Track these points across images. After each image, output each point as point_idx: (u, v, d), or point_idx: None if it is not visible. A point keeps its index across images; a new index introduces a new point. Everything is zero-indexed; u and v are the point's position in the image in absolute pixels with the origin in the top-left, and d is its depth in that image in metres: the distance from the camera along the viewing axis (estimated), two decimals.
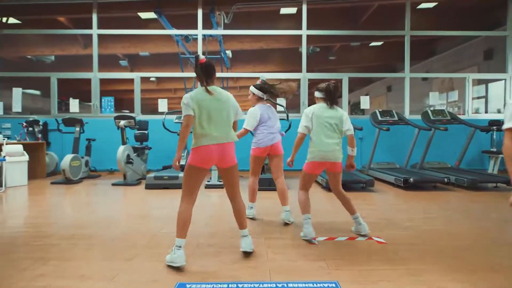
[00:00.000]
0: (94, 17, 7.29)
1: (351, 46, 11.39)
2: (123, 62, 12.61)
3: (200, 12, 7.33)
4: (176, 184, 4.95)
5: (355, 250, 2.36)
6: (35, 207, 3.98)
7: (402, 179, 4.82)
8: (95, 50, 7.32)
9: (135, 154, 5.93)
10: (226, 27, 7.73)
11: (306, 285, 1.78)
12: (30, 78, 8.42)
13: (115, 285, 1.81)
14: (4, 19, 8.06)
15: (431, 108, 6.56)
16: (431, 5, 7.93)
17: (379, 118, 6.10)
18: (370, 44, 10.87)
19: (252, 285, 1.79)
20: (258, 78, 5.95)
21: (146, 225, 3.08)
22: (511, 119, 1.57)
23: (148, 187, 5.09)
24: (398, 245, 2.46)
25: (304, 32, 7.24)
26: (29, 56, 11.24)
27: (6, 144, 5.31)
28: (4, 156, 5.03)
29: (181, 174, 5.00)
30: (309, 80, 7.29)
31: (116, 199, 4.42)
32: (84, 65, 9.56)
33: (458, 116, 6.43)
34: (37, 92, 12.02)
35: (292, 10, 8.02)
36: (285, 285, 1.79)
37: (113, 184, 5.46)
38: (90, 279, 1.88)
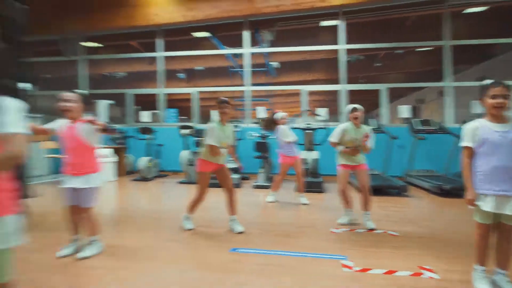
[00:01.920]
0: (159, 42, 8.66)
1: (396, 53, 11.48)
2: (181, 75, 14.18)
3: (246, 34, 8.26)
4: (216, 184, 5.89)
5: (369, 239, 3.01)
6: (134, 195, 5.22)
7: (437, 186, 5.13)
8: (160, 70, 8.69)
9: (195, 157, 7.04)
10: (271, 43, 8.59)
11: (323, 256, 2.53)
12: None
13: (189, 246, 2.74)
14: (90, 44, 9.87)
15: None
16: (478, 9, 7.90)
17: (416, 127, 6.43)
18: (417, 50, 10.87)
19: (281, 253, 2.59)
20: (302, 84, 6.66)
21: (204, 212, 4.02)
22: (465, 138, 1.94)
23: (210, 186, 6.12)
24: (408, 237, 3.04)
25: (341, 46, 7.79)
26: (105, 73, 13.25)
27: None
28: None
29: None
30: (349, 91, 7.82)
31: (182, 195, 5.51)
32: (150, 79, 11.19)
33: None
34: (112, 102, 14.10)
35: (332, 22, 8.55)
36: (306, 254, 2.56)
37: (179, 182, 6.61)
38: (175, 241, 2.84)
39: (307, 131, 6.36)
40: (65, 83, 10.08)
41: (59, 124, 2.47)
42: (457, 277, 2.15)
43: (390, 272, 2.25)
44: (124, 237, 3.10)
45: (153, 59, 9.24)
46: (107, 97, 13.11)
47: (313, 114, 7.38)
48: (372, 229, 3.25)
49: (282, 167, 4.64)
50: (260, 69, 10.64)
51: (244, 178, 6.83)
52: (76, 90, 2.43)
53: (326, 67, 12.23)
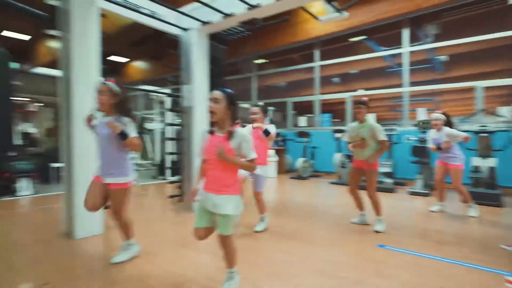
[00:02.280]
0: (316, 53, 9.36)
1: None
2: (336, 80, 14.58)
3: (405, 32, 7.79)
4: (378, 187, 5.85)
5: None
6: (291, 191, 6.12)
7: None
8: (316, 78, 9.40)
9: (348, 160, 7.30)
10: (435, 37, 7.75)
11: (483, 268, 2.37)
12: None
13: (340, 236, 3.11)
14: (259, 61, 11.77)
15: None
16: None
17: None
18: None
19: (431, 257, 2.58)
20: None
21: (344, 209, 4.26)
22: None
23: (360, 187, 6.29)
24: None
25: None
26: (269, 85, 15.26)
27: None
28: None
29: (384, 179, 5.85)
30: None
31: (337, 194, 5.92)
32: (307, 86, 12.16)
33: None
34: (273, 108, 16.13)
35: None
36: (462, 263, 2.46)
37: (331, 183, 7.06)
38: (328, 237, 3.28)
39: (481, 134, 5.49)
40: (241, 96, 12.45)
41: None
42: None
43: None
44: (284, 223, 3.81)
45: (310, 68, 10.12)
46: (271, 105, 15.06)
47: (491, 113, 6.21)
48: None
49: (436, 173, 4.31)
50: (424, 66, 9.69)
51: (398, 183, 6.55)
52: (258, 103, 3.28)
53: None
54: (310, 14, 3.60)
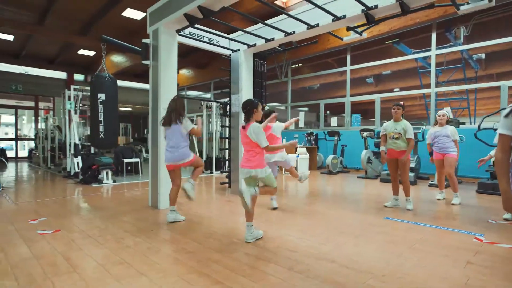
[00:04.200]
0: (348, 57, 10.10)
1: None
2: (369, 80, 15.04)
3: (433, 35, 8.29)
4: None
5: None
6: (322, 184, 7.03)
7: None
8: (348, 81, 10.12)
9: (374, 157, 8.01)
10: (466, 39, 8.15)
11: (461, 231, 3.17)
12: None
13: (356, 214, 4.01)
14: (294, 66, 12.69)
15: None
16: None
17: None
18: None
19: (426, 225, 3.41)
20: None
21: (365, 196, 5.09)
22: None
23: (382, 181, 7.02)
24: None
25: None
26: (304, 87, 16.10)
27: (297, 147, 9.01)
28: (298, 154, 8.66)
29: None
30: None
31: (361, 186, 6.72)
32: (340, 88, 12.86)
33: None
34: (306, 109, 16.94)
35: None
36: (447, 229, 3.27)
37: (358, 177, 7.83)
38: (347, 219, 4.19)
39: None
40: (277, 98, 13.46)
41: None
42: None
43: None
44: (316, 207, 4.76)
45: (342, 71, 10.86)
46: (305, 107, 15.84)
47: None
48: None
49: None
50: (456, 66, 9.99)
51: (420, 178, 7.17)
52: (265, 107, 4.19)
53: None
54: (335, 35, 4.51)
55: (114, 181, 6.89)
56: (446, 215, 4.01)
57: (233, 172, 5.40)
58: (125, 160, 7.96)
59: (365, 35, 4.30)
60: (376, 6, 3.37)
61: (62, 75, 16.03)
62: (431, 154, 5.01)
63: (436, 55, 8.41)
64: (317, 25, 3.95)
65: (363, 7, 3.43)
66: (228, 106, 5.51)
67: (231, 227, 3.45)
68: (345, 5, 3.64)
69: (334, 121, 10.57)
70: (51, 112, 15.11)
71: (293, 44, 4.67)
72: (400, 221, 3.66)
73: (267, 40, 4.57)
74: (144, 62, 4.16)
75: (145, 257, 2.52)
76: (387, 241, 2.95)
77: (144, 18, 9.53)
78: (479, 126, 6.39)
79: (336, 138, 9.17)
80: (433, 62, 8.46)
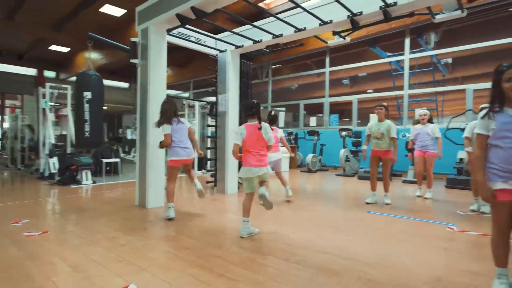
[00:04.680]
0: (327, 60, 10.43)
1: None
2: (345, 81, 15.56)
3: (407, 40, 8.78)
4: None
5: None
6: (302, 182, 7.23)
7: None
8: (327, 82, 10.45)
9: (352, 155, 8.36)
10: (436, 44, 8.69)
11: (436, 222, 3.45)
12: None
13: (340, 210, 4.22)
14: (274, 67, 12.90)
15: None
16: None
17: None
18: None
19: (404, 217, 3.67)
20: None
21: (344, 193, 5.35)
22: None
23: (360, 178, 7.35)
24: None
25: None
26: (283, 87, 16.36)
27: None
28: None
29: None
30: None
31: (341, 183, 7.00)
32: (317, 88, 13.21)
33: None
34: (283, 109, 17.24)
35: None
36: (424, 220, 3.54)
37: (337, 175, 8.13)
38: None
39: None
40: (257, 97, 13.61)
41: None
42: None
43: (484, 235, 2.99)
44: (302, 204, 4.93)
45: (320, 73, 11.20)
46: (284, 107, 16.09)
47: (476, 114, 7.16)
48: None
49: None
50: (426, 69, 10.59)
51: (394, 175, 7.58)
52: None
53: None
54: (321, 39, 4.71)
55: (94, 182, 6.72)
56: (420, 208, 4.32)
57: (219, 171, 5.46)
58: (104, 161, 7.77)
59: (348, 39, 4.52)
60: (361, 13, 3.58)
61: (31, 71, 15.26)
62: (411, 150, 5.30)
63: (412, 58, 8.89)
64: (304, 28, 4.12)
65: (349, 13, 3.63)
66: (214, 105, 5.56)
67: (222, 224, 3.53)
68: (331, 10, 3.83)
69: (313, 121, 10.88)
70: (17, 110, 14.35)
71: (280, 46, 4.82)
72: (381, 215, 3.90)
73: (255, 42, 4.69)
74: (133, 61, 4.13)
75: (143, 254, 2.55)
76: (373, 233, 3.16)
77: (125, 15, 9.34)
78: (447, 126, 6.87)
79: (315, 137, 9.45)
80: (406, 66, 8.95)
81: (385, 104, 4.58)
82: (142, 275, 2.13)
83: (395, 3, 3.33)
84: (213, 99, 5.84)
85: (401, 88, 9.63)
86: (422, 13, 3.69)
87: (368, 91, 16.32)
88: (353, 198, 5.08)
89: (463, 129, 6.55)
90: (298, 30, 4.14)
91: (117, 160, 8.08)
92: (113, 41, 4.27)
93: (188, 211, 4.10)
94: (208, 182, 5.85)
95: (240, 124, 5.56)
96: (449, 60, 11.34)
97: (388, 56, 9.85)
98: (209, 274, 2.14)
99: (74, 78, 15.64)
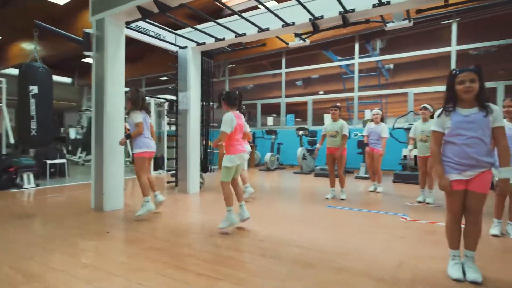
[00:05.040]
0: (283, 61, 10.72)
1: None
2: (299, 83, 16.11)
3: (356, 45, 9.40)
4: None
5: (431, 209, 4.00)
6: (260, 180, 7.33)
7: None
8: (283, 83, 10.74)
9: (308, 153, 8.71)
10: (381, 50, 9.44)
11: (391, 213, 3.77)
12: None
13: (300, 205, 4.38)
14: (231, 66, 12.89)
15: None
16: None
17: None
18: None
19: (362, 210, 3.94)
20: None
21: (302, 189, 5.60)
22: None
23: (317, 175, 7.70)
24: None
25: (453, 48, 8.01)
26: (239, 87, 16.41)
27: None
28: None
29: None
30: None
31: (299, 181, 7.25)
32: (272, 89, 13.49)
33: None
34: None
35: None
36: (380, 212, 3.84)
37: (294, 173, 8.41)
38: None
39: (409, 130, 7.12)
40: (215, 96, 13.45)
41: None
42: (485, 229, 3.06)
43: (432, 222, 3.35)
44: (264, 201, 5.01)
45: (276, 73, 11.47)
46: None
47: (417, 115, 7.93)
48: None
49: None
50: (372, 73, 11.43)
51: (347, 171, 8.08)
52: None
53: (447, 63, 11.81)
54: (282, 40, 4.83)
55: (37, 185, 6.10)
56: (374, 201, 4.68)
57: (180, 171, 5.32)
58: (49, 162, 7.09)
59: (308, 41, 4.71)
60: (322, 17, 3.76)
61: None
62: (366, 145, 5.66)
63: (360, 63, 9.53)
64: (268, 29, 4.20)
65: (311, 16, 3.79)
66: (174, 103, 5.40)
67: (189, 223, 3.46)
68: (294, 13, 3.95)
69: (270, 120, 11.09)
70: None
71: (243, 45, 4.85)
72: (341, 209, 4.15)
73: (217, 40, 4.65)
74: (87, 53, 3.83)
75: (110, 258, 2.40)
76: (337, 226, 3.35)
77: (70, 4, 8.57)
78: (393, 126, 7.52)
79: (273, 136, 9.65)
80: (356, 69, 9.57)
81: (338, 105, 4.87)
82: (114, 280, 2.01)
83: (353, 10, 3.57)
84: (171, 97, 5.66)
85: (350, 90, 10.29)
86: (376, 21, 3.99)
87: (320, 92, 17.19)
88: (312, 194, 5.32)
89: (406, 129, 7.25)
90: (261, 30, 4.21)
91: (64, 161, 7.43)
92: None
93: (151, 212, 3.93)
94: (169, 182, 5.66)
95: (202, 121, 5.50)
96: (391, 66, 12.39)
97: (339, 60, 10.44)
98: (187, 274, 2.09)
99: (8, 71, 13.99)
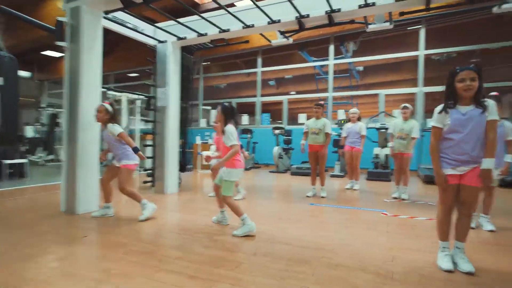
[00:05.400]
0: (259, 60, 10.71)
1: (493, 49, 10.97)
2: (271, 82, 16.21)
3: (331, 47, 9.63)
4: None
5: (405, 204, 4.17)
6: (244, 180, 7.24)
7: None
8: (258, 82, 10.73)
9: (284, 152, 8.77)
10: (354, 52, 9.73)
11: (371, 209, 3.87)
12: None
13: (282, 202, 4.39)
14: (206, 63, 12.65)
15: None
16: None
17: None
18: None
19: (344, 207, 4.02)
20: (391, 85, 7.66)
21: (292, 189, 5.64)
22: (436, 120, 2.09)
23: (293, 174, 7.77)
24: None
25: (421, 52, 8.46)
26: (213, 85, 16.18)
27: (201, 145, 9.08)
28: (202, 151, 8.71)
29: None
30: (426, 93, 8.42)
31: (275, 179, 7.27)
32: (246, 88, 13.46)
33: None
34: (209, 107, 17.11)
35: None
36: (361, 208, 3.94)
37: (270, 172, 8.43)
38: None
39: (381, 130, 7.41)
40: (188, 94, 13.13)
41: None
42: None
43: (412, 217, 3.49)
44: (245, 200, 4.95)
45: (250, 72, 11.43)
46: (216, 105, 15.80)
47: (388, 115, 8.29)
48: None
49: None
50: (344, 75, 11.76)
51: None
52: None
53: (414, 67, 12.44)
54: (265, 38, 4.80)
55: None
56: (352, 199, 4.80)
57: (157, 169, 5.11)
58: (6, 162, 6.50)
59: (291, 40, 4.72)
60: (308, 15, 3.78)
61: None
62: (342, 146, 5.79)
63: (334, 64, 9.76)
64: (253, 25, 4.15)
65: (297, 14, 3.79)
66: (151, 100, 5.17)
67: (171, 224, 3.33)
68: (280, 10, 3.94)
69: (245, 119, 11.02)
70: None
71: (225, 41, 4.75)
72: (323, 206, 4.20)
73: (199, 35, 4.51)
74: (60, 43, 3.53)
75: (93, 265, 2.23)
76: (322, 223, 3.38)
77: None
78: (366, 126, 7.77)
79: (249, 135, 9.61)
80: (331, 70, 9.79)
81: (322, 103, 4.95)
82: None
83: (339, 10, 3.62)
84: (141, 94, 5.42)
85: (323, 91, 10.52)
86: (359, 22, 4.09)
87: (291, 92, 17.41)
88: (292, 192, 5.36)
89: (378, 129, 7.52)
90: (246, 26, 4.14)
91: (25, 161, 6.85)
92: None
93: (129, 215, 3.72)
94: (145, 182, 5.41)
95: (182, 120, 5.32)
96: (361, 68, 12.85)
97: (314, 61, 10.63)
98: (179, 278, 1.99)
99: None
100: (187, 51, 5.25)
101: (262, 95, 11.48)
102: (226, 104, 3.05)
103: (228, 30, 4.33)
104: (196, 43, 5.03)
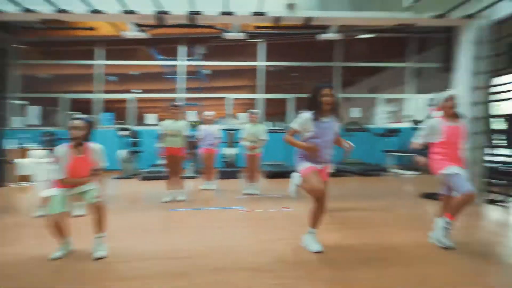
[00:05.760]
0: (100, 52, 9.36)
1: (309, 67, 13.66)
2: (112, 78, 14.42)
3: (181, 48, 9.57)
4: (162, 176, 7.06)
5: (263, 199, 4.69)
6: None
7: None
8: (98, 76, 9.38)
9: (132, 156, 8.01)
10: (204, 56, 10.03)
11: (230, 207, 4.10)
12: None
13: (140, 213, 4.04)
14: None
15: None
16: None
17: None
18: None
19: (204, 208, 4.09)
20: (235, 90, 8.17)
21: (144, 196, 5.26)
22: None
23: (145, 178, 7.20)
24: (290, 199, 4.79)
25: (259, 63, 9.67)
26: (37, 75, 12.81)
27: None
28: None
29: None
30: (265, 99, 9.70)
31: (123, 186, 6.55)
32: (77, 82, 11.51)
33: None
34: (25, 102, 13.61)
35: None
36: (220, 208, 4.10)
37: (114, 178, 7.44)
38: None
39: (229, 131, 7.94)
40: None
41: None
42: (303, 210, 3.89)
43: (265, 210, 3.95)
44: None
45: (87, 64, 9.80)
46: (39, 101, 12.58)
47: (234, 117, 9.03)
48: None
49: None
50: (194, 76, 11.90)
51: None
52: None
53: (252, 74, 13.97)
54: (116, 28, 4.23)
55: None
56: (210, 199, 4.94)
57: None
58: None
59: (146, 34, 4.37)
60: (168, 12, 3.61)
61: None
62: (196, 148, 5.79)
63: (183, 65, 9.71)
64: (102, 11, 3.57)
65: (156, 9, 3.54)
66: None
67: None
68: (137, 1, 3.57)
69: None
70: None
71: (65, 24, 3.87)
72: (183, 210, 4.11)
73: (27, 10, 3.48)
74: None
75: None
76: (188, 228, 3.32)
77: None
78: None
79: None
80: (183, 71, 9.69)
81: (178, 103, 4.82)
82: None
83: (200, 13, 3.64)
84: None
85: (172, 91, 10.28)
86: (218, 28, 4.25)
87: (132, 90, 16.08)
88: (147, 200, 5.01)
89: (226, 130, 8.01)
90: (95, 11, 3.53)
91: None
92: None
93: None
94: None
95: None
96: (209, 72, 13.44)
97: (163, 59, 10.27)
98: None
99: None
100: (4, 29, 3.96)
101: (102, 92, 10.05)
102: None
103: (65, 11, 3.54)
104: (21, 21, 3.88)
